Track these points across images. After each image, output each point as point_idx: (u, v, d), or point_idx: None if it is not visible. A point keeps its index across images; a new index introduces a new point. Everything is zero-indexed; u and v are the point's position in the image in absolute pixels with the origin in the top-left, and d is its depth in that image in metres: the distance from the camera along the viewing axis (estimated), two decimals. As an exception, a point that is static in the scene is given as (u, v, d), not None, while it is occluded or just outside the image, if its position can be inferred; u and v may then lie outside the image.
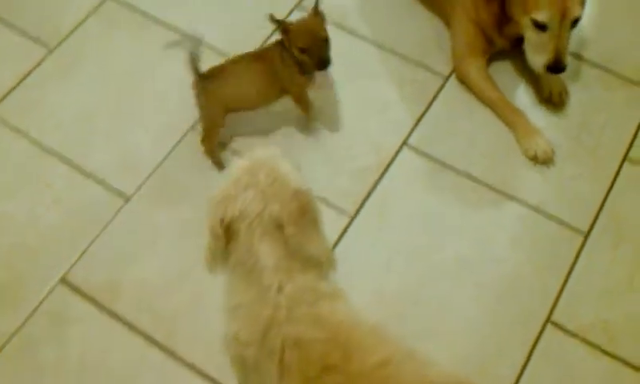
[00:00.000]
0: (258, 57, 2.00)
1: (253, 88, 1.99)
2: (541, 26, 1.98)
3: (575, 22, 1.99)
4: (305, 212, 1.38)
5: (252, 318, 1.36)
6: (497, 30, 2.14)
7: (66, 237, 1.94)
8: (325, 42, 1.92)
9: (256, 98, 2.01)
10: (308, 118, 2.10)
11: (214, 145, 2.03)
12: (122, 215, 1.97)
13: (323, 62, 1.92)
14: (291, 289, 1.34)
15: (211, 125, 1.99)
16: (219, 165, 2.03)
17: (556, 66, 2.02)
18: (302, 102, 2.05)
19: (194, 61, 1.89)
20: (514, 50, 2.21)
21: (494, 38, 2.17)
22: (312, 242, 1.38)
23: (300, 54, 1.91)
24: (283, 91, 2.02)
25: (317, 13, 1.93)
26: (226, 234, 1.38)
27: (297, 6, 2.36)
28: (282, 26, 1.92)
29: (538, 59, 2.04)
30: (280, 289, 1.34)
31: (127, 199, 1.99)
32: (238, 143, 2.08)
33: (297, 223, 1.35)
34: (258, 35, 2.28)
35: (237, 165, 1.42)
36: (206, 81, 1.92)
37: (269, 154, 1.43)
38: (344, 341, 1.31)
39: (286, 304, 1.33)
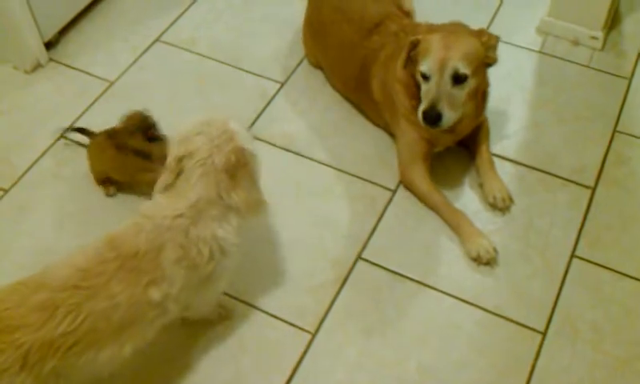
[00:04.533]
0: None
1: None
2: (425, 77, 2.08)
3: (458, 78, 2.06)
4: (241, 165, 1.71)
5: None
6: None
7: None
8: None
9: None
10: None
11: None
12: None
13: None
14: (179, 223, 1.67)
15: None
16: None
17: (429, 113, 2.06)
18: None
19: None
20: (459, 151, 2.33)
21: (433, 137, 2.24)
22: (238, 190, 1.71)
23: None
24: None
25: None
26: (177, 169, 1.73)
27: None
28: None
29: (420, 109, 2.10)
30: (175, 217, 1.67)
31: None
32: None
33: (229, 173, 1.70)
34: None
35: (195, 118, 1.76)
36: None
37: (223, 116, 1.77)
38: (136, 268, 1.63)
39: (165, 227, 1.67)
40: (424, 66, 2.07)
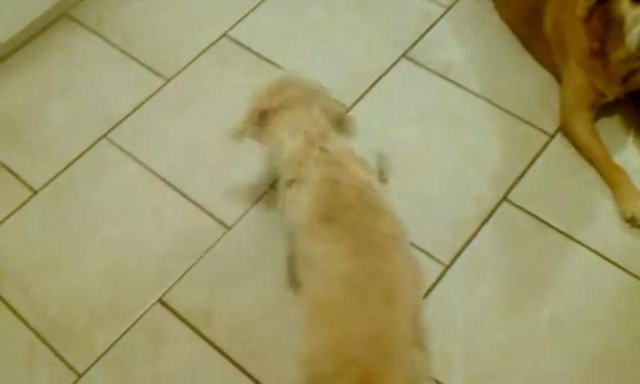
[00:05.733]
0: None
1: None
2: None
3: None
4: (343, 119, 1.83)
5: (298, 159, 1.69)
6: (606, 64, 2.08)
7: (166, 260, 2.01)
8: None
9: None
10: None
11: None
12: (222, 243, 2.02)
13: None
14: (333, 147, 1.68)
15: None
16: None
17: None
18: None
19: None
20: (627, 105, 2.20)
21: (604, 85, 2.13)
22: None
23: None
24: None
25: None
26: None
27: (404, 55, 2.41)
28: None
29: (634, 33, 1.91)
30: (323, 148, 1.68)
31: (228, 228, 2.05)
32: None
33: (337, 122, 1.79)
34: (363, 81, 2.34)
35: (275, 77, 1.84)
36: None
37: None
38: (370, 201, 1.60)
39: (329, 153, 1.66)
40: None
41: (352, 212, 1.56)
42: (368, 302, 1.43)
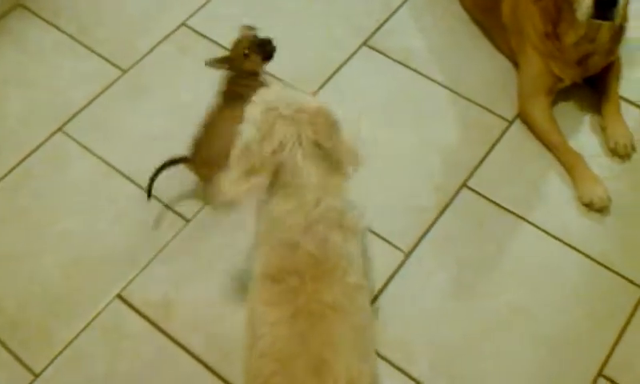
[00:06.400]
0: None
1: None
2: None
3: None
4: (330, 124, 1.56)
5: (285, 228, 1.52)
6: (561, 47, 2.09)
7: (124, 254, 1.98)
8: None
9: None
10: None
11: None
12: (181, 237, 2.00)
13: None
14: (324, 207, 1.51)
15: None
16: None
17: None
18: None
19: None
20: (584, 90, 2.22)
21: (561, 69, 2.14)
22: (342, 146, 1.57)
23: None
24: None
25: None
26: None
27: (365, 43, 2.40)
28: None
29: (584, 5, 1.88)
30: (317, 203, 1.51)
31: (187, 221, 2.03)
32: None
33: (329, 136, 1.54)
34: (324, 69, 2.33)
35: (253, 108, 1.56)
36: None
37: (276, 90, 1.62)
38: (325, 270, 1.48)
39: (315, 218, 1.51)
40: None
41: (298, 278, 1.46)
42: (298, 377, 1.38)
